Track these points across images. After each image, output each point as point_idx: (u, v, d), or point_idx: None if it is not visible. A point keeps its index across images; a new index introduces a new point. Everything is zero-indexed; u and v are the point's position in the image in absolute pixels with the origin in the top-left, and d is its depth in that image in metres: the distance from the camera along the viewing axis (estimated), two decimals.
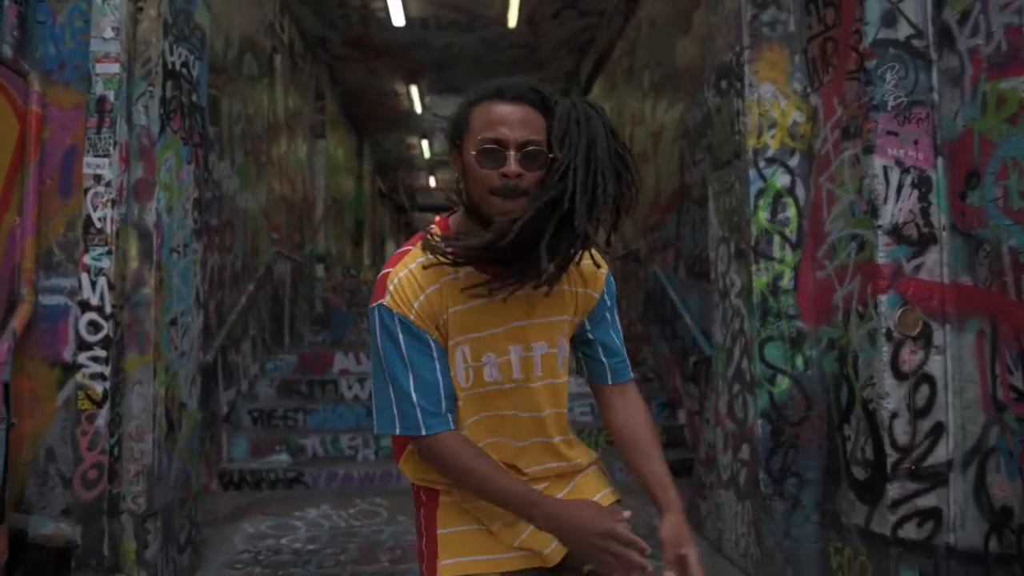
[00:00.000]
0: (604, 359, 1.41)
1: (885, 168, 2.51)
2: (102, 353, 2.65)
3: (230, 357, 5.11)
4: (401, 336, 1.22)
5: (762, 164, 2.96)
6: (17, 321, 2.60)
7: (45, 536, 2.61)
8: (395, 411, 1.22)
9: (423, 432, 1.21)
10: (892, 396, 2.47)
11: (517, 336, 1.29)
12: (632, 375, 1.44)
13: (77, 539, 2.62)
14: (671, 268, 5.47)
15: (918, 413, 2.48)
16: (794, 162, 2.97)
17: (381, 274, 1.26)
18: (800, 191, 2.97)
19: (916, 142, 2.52)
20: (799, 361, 2.94)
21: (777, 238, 2.96)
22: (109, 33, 2.74)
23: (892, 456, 2.47)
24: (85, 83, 2.76)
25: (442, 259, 1.20)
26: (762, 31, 3.02)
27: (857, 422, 2.65)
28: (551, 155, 1.17)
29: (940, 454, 2.47)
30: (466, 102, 1.24)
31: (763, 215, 2.96)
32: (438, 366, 1.24)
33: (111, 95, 2.71)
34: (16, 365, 2.60)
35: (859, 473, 2.63)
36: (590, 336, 1.40)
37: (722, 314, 3.32)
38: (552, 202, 1.14)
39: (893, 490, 2.46)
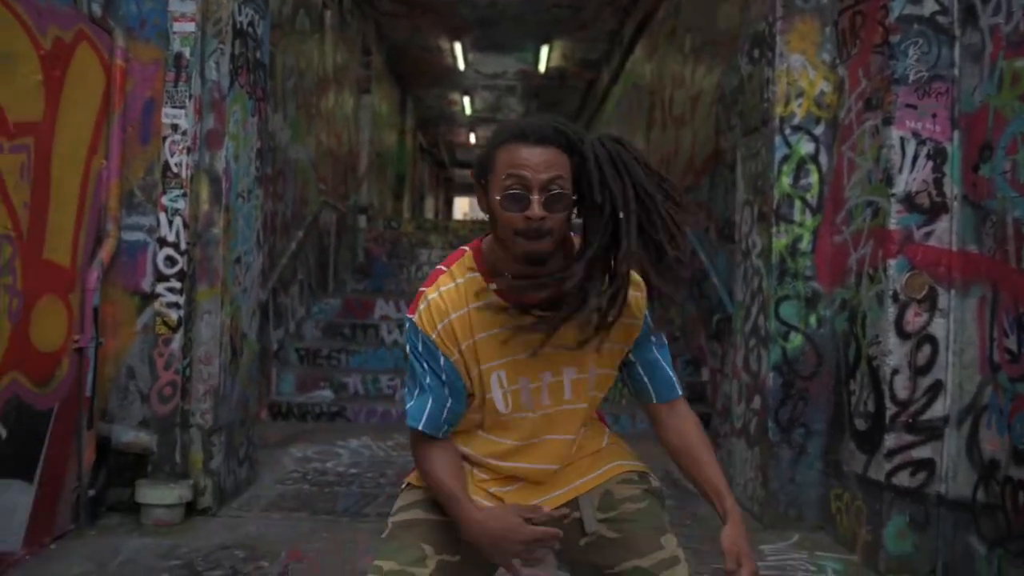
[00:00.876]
0: (646, 377, 1.42)
1: (902, 139, 2.66)
2: (177, 285, 2.96)
3: (280, 299, 5.45)
4: (421, 350, 1.33)
5: (788, 131, 3.12)
6: (104, 253, 2.92)
7: (126, 443, 2.97)
8: (411, 406, 1.36)
9: (420, 427, 1.34)
10: (894, 354, 2.66)
11: (548, 362, 1.33)
12: (681, 392, 1.44)
13: (153, 447, 2.98)
14: (702, 230, 5.63)
15: (919, 371, 2.67)
16: (819, 130, 3.12)
17: (420, 289, 1.36)
18: (823, 158, 3.13)
19: (934, 115, 2.66)
20: (813, 320, 3.13)
21: (798, 203, 3.13)
22: None
23: (891, 409, 2.67)
24: (163, 40, 3.02)
25: (500, 304, 1.30)
26: (795, 3, 3.14)
27: (862, 377, 2.85)
28: (574, 196, 1.23)
29: (937, 410, 2.66)
30: (491, 143, 1.28)
31: (786, 180, 3.13)
32: (446, 390, 1.32)
33: (187, 52, 2.97)
34: (102, 292, 2.93)
35: (860, 424, 2.84)
36: (631, 358, 1.41)
37: (743, 273, 3.52)
38: (605, 249, 1.21)
39: (890, 440, 2.67)
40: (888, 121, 2.68)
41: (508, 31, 8.96)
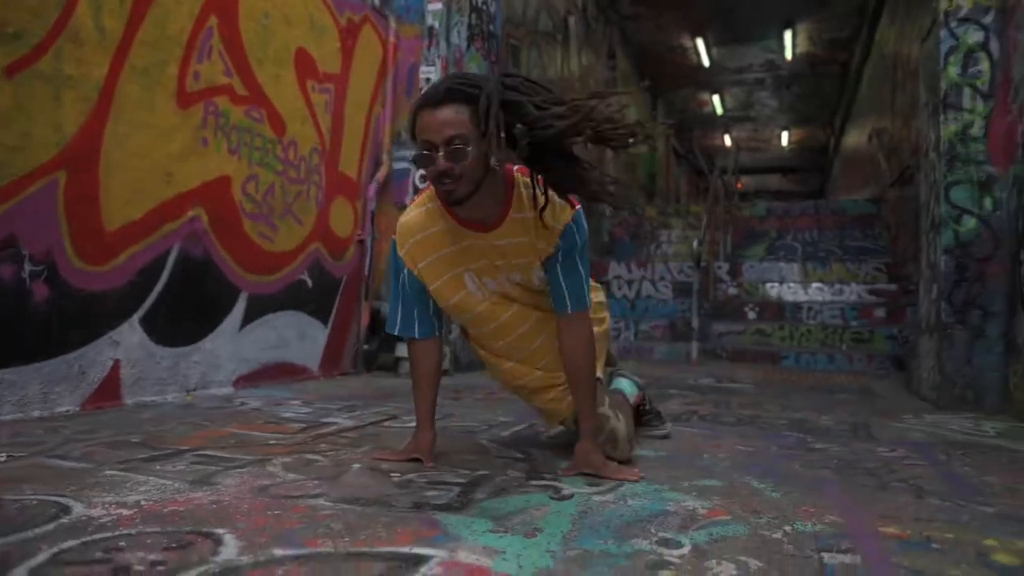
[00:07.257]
0: (550, 287, 1.65)
1: None
2: None
3: None
4: (393, 263, 1.71)
5: (954, 24, 3.24)
6: (379, 175, 4.03)
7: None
8: (395, 317, 1.73)
9: (396, 332, 1.74)
10: None
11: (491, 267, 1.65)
12: (574, 309, 1.62)
13: None
14: None
15: None
16: (988, 19, 3.19)
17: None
18: (994, 45, 3.19)
19: None
20: (988, 203, 3.17)
21: (968, 90, 3.22)
22: None
23: None
24: (421, 20, 4.09)
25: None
26: None
27: None
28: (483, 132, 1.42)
29: None
30: (412, 109, 1.50)
31: (953, 70, 3.24)
32: (411, 296, 1.69)
33: (436, 24, 4.00)
34: (377, 204, 4.02)
35: None
36: (543, 266, 1.64)
37: (924, 173, 3.60)
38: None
39: None
40: None
41: (748, 19, 9.22)
